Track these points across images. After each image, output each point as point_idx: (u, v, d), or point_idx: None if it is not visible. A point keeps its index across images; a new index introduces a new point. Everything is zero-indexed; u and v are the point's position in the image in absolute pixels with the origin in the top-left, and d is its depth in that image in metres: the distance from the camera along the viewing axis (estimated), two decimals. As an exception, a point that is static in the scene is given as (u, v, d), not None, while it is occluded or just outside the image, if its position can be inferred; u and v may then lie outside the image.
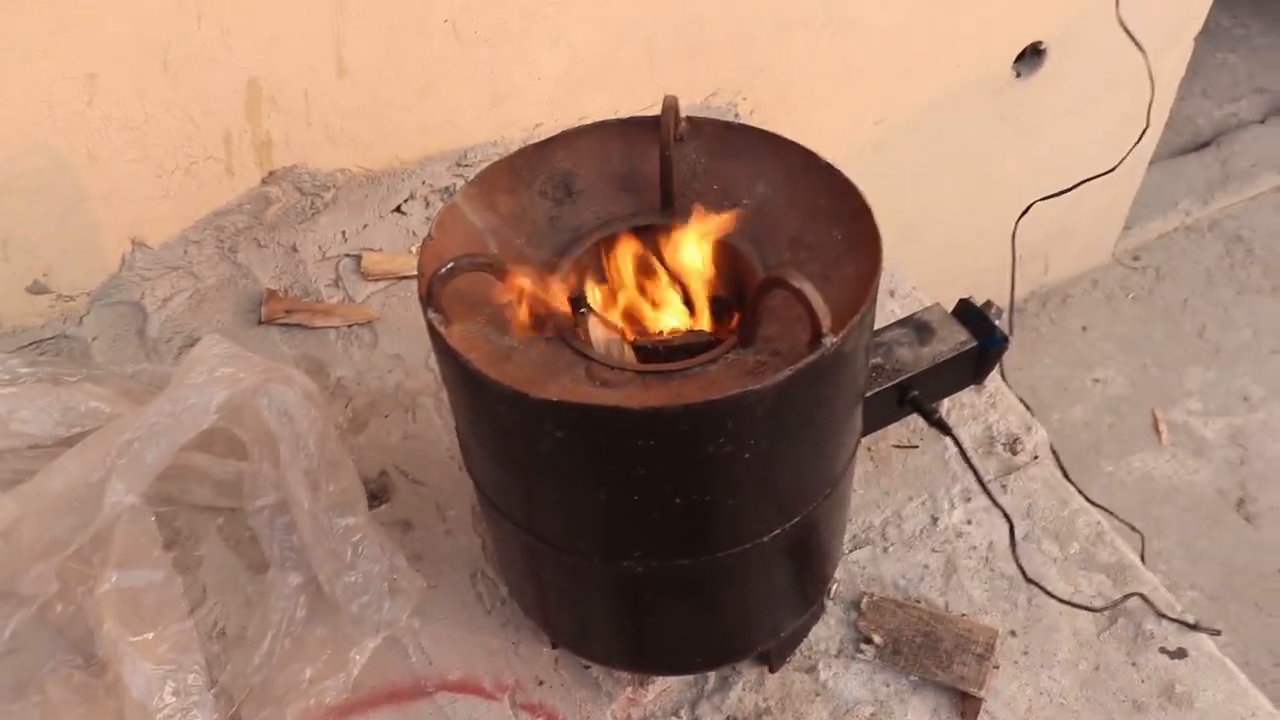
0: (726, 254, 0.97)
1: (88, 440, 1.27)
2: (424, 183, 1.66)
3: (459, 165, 1.67)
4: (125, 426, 1.24)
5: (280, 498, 1.30)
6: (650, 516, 0.88)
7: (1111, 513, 1.51)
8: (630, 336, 0.95)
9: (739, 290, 0.98)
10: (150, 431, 1.22)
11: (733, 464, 0.83)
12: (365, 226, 1.65)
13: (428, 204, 1.66)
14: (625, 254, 0.98)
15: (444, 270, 0.83)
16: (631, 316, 0.98)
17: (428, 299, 0.85)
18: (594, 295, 0.95)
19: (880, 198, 0.94)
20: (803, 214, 0.96)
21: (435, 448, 1.42)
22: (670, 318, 0.97)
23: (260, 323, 1.56)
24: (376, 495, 1.37)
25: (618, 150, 1.03)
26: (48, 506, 1.25)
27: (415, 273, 1.56)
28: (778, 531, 0.94)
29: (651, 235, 0.98)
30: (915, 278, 1.65)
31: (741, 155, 1.01)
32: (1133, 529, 1.68)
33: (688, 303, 0.98)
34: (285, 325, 1.56)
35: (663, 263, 0.98)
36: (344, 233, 1.64)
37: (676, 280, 0.98)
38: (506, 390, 0.80)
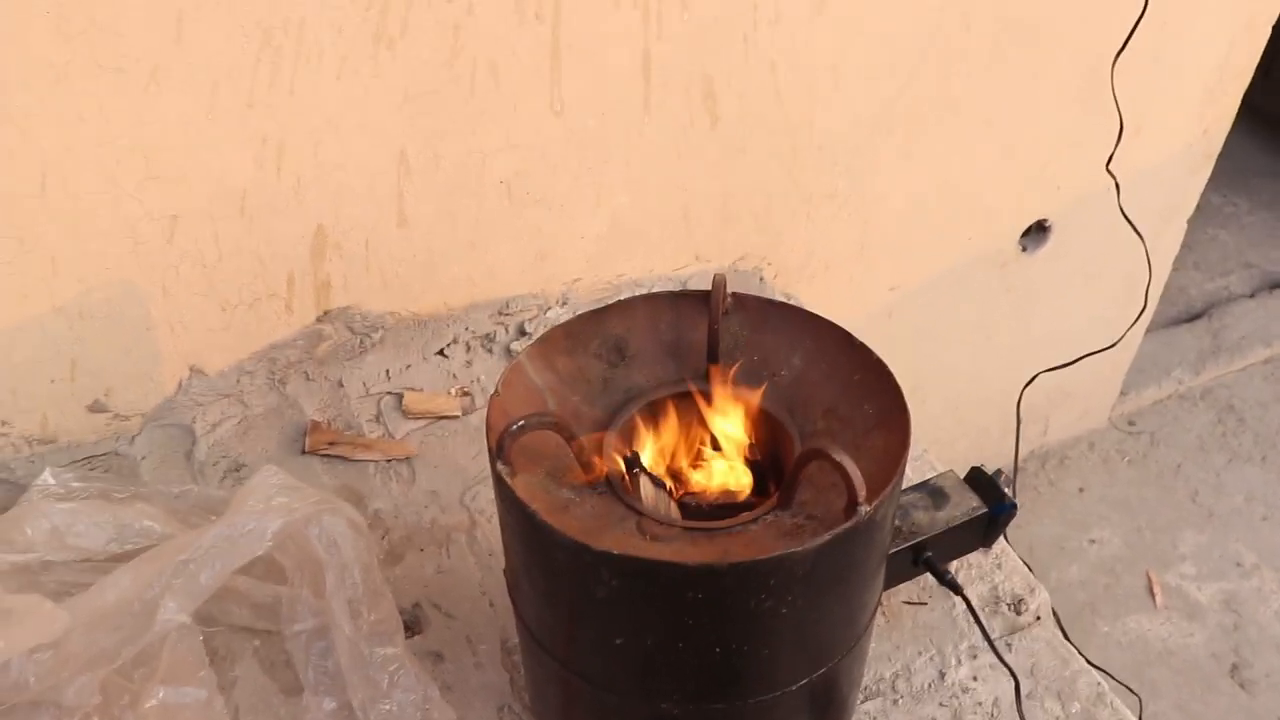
0: (764, 420, 1.06)
1: (143, 557, 1.33)
2: (467, 328, 1.77)
3: (500, 314, 1.78)
4: (182, 547, 1.30)
5: (318, 623, 1.36)
6: (691, 663, 0.95)
7: (1110, 674, 1.56)
8: (676, 493, 1.03)
9: (775, 453, 1.07)
10: (206, 554, 1.29)
11: (771, 617, 0.90)
12: (409, 366, 1.74)
13: (469, 349, 1.76)
14: (672, 416, 1.07)
15: (516, 427, 0.92)
16: (676, 474, 1.06)
17: (498, 452, 0.93)
18: (643, 453, 1.04)
19: (891, 360, 1.05)
20: (836, 387, 1.06)
21: (467, 583, 1.48)
22: (711, 476, 1.06)
23: (303, 452, 1.64)
24: (409, 626, 1.43)
25: (667, 319, 1.13)
26: (99, 619, 1.30)
27: (453, 413, 1.68)
28: (805, 681, 1.00)
29: (697, 399, 1.07)
30: (920, 436, 1.74)
31: (780, 330, 1.11)
32: (1130, 691, 1.73)
33: (727, 463, 1.07)
34: (327, 456, 1.64)
35: (705, 425, 1.07)
36: (388, 371, 1.74)
37: (717, 442, 1.07)
38: (569, 540, 0.88)
